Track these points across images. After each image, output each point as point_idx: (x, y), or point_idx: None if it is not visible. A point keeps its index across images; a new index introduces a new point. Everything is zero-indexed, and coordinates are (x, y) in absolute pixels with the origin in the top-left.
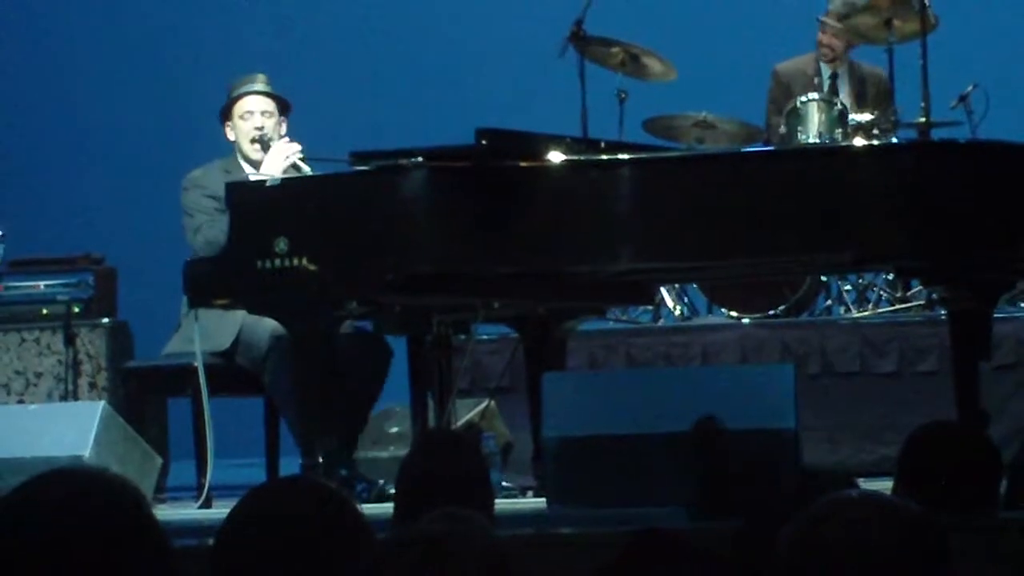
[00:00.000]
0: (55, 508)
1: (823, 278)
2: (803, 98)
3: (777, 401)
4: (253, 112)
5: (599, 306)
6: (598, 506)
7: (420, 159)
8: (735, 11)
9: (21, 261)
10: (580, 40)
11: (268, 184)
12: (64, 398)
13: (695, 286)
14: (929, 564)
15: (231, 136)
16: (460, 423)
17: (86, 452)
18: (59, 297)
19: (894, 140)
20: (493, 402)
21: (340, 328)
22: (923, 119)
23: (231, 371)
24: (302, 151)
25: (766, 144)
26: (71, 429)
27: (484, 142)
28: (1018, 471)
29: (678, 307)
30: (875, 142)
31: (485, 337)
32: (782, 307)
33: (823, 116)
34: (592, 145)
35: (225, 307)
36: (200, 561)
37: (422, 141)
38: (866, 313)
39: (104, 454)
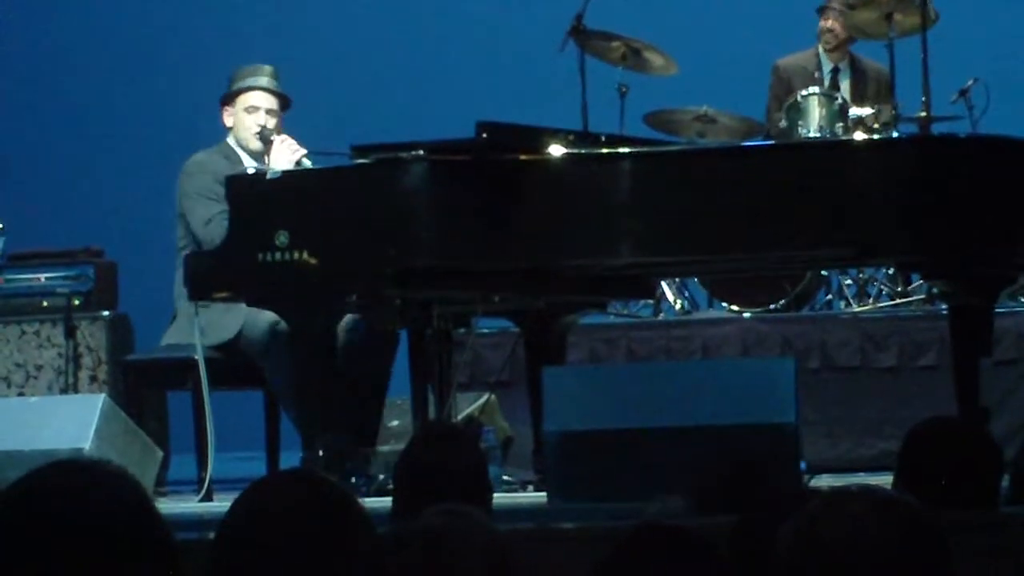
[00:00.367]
0: (56, 500)
1: (823, 272)
2: (803, 92)
3: (777, 395)
4: (259, 108)
5: (600, 300)
6: (599, 500)
7: (421, 152)
8: (736, 5)
9: (21, 254)
10: (581, 34)
11: (269, 177)
12: (64, 391)
13: (696, 280)
14: (929, 560)
15: (229, 122)
16: (460, 417)
17: (87, 445)
18: (59, 290)
19: (895, 134)
20: (493, 396)
21: (342, 320)
22: (923, 113)
23: (232, 364)
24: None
25: (768, 137)
26: (72, 422)
27: (485, 136)
28: (1021, 468)
29: (679, 301)
30: (875, 136)
31: (485, 331)
32: (783, 301)
33: (824, 110)
34: (593, 139)
35: (225, 300)
36: (201, 555)
37: (423, 135)
38: (866, 307)
39: (105, 447)
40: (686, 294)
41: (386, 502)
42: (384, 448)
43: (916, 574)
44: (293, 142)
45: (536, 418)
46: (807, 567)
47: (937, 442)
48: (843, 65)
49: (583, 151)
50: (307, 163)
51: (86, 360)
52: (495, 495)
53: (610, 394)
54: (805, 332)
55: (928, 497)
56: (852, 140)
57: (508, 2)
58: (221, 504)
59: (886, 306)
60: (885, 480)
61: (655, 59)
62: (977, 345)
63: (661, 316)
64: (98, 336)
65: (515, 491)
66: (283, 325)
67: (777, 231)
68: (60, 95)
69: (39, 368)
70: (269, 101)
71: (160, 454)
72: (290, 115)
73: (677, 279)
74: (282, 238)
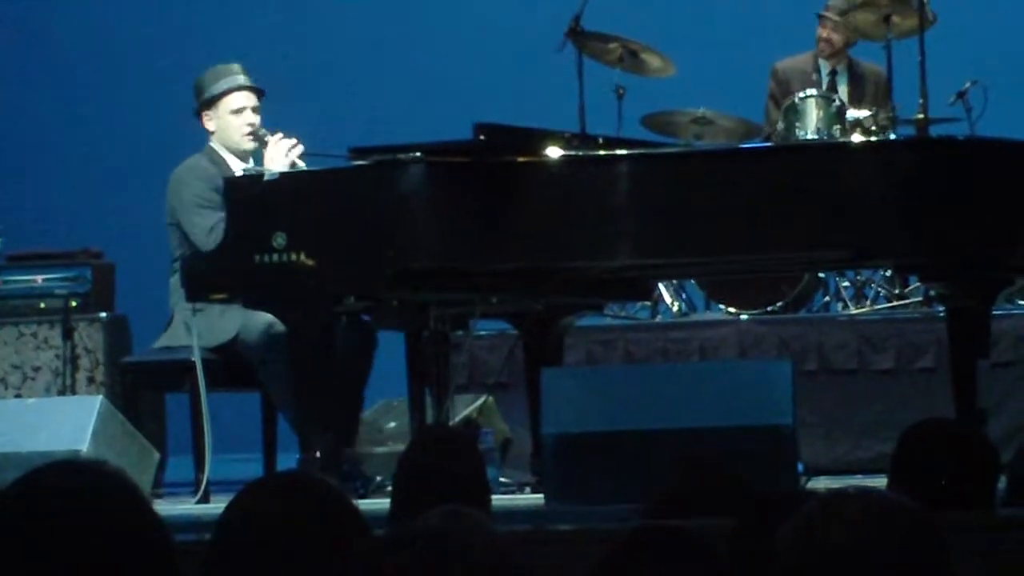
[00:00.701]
0: (52, 501)
1: (821, 274)
2: (801, 94)
3: (775, 397)
4: (245, 108)
5: (597, 302)
6: (597, 502)
7: (419, 154)
8: (734, 7)
9: (19, 255)
10: (578, 35)
11: (267, 178)
12: (62, 392)
13: (693, 282)
14: (927, 562)
15: (212, 127)
16: (458, 419)
17: (84, 446)
18: (57, 291)
19: (892, 137)
20: (491, 398)
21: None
22: (921, 115)
23: (229, 366)
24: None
25: (766, 139)
26: (69, 423)
27: (482, 137)
28: (1017, 469)
29: (676, 303)
30: (873, 139)
31: (483, 333)
32: (780, 303)
33: (821, 112)
34: (590, 141)
35: (223, 302)
36: (198, 556)
37: (421, 136)
38: (864, 310)
39: (102, 449)
40: (683, 296)
41: (383, 504)
42: (381, 450)
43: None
44: (287, 140)
45: (534, 420)
46: (806, 568)
47: (931, 444)
48: (841, 68)
49: (581, 153)
50: (300, 164)
51: (83, 362)
52: (492, 497)
53: (608, 396)
54: (802, 334)
55: (922, 498)
56: (850, 142)
57: (506, 3)
58: (218, 506)
59: (883, 308)
60: (883, 482)
61: (653, 61)
62: (974, 347)
63: (658, 318)
64: (96, 338)
65: (513, 493)
66: (280, 327)
67: (775, 233)
68: (58, 96)
69: (37, 369)
70: (251, 99)
71: (157, 455)
72: (288, 116)
73: (674, 281)
74: (280, 239)
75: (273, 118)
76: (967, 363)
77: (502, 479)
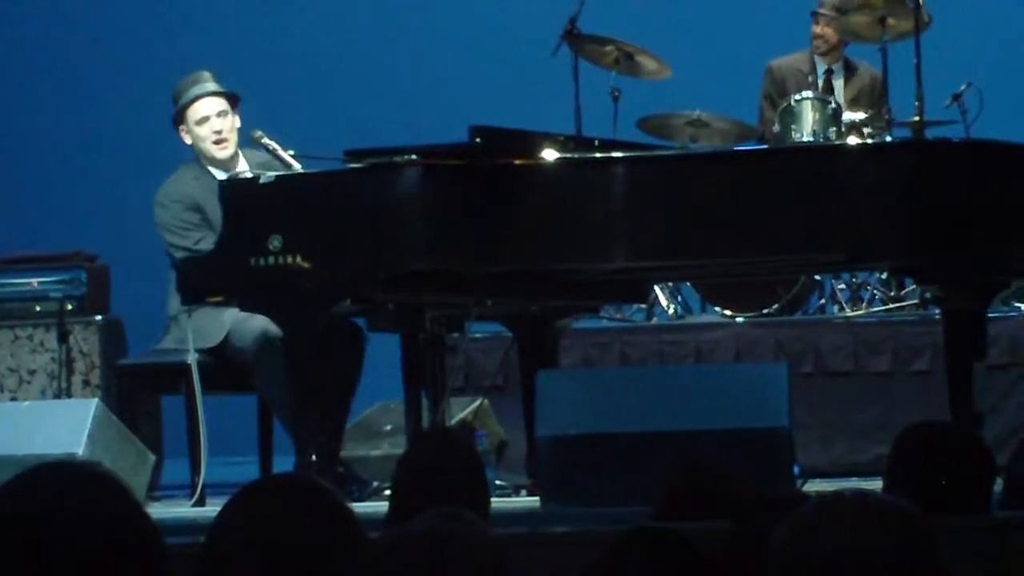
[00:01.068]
0: (43, 503)
1: (817, 277)
2: (797, 97)
3: (770, 400)
4: (209, 116)
5: (593, 304)
6: (592, 505)
7: (414, 157)
8: (729, 10)
9: (14, 258)
10: (574, 38)
11: (262, 181)
12: (57, 395)
13: (689, 284)
14: (923, 564)
15: (188, 140)
16: (453, 422)
17: (80, 450)
18: (52, 294)
19: (888, 139)
20: (486, 400)
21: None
22: (917, 118)
23: (224, 369)
24: (294, 152)
25: (761, 139)
26: (64, 427)
27: (478, 140)
28: (1014, 472)
29: (672, 306)
30: (869, 141)
31: (479, 335)
32: (776, 306)
33: (817, 115)
34: (586, 143)
35: (218, 305)
36: (193, 559)
37: (416, 139)
38: (860, 312)
39: (98, 452)
40: (679, 299)
41: (379, 507)
42: (377, 452)
43: None
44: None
45: (529, 422)
46: (801, 571)
47: (927, 446)
48: (837, 67)
49: (576, 155)
50: (296, 166)
51: (79, 365)
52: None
53: (603, 399)
54: (798, 337)
55: (918, 501)
56: (845, 145)
57: (501, 6)
58: (214, 508)
59: (879, 311)
60: (879, 485)
61: (648, 63)
62: (970, 350)
63: (654, 320)
64: (91, 340)
65: (508, 495)
66: (274, 330)
67: (770, 235)
68: (53, 99)
69: (32, 373)
70: (216, 105)
71: (153, 458)
72: (284, 119)
73: (670, 283)
74: (275, 242)
75: (268, 121)
76: (963, 365)
77: (498, 481)
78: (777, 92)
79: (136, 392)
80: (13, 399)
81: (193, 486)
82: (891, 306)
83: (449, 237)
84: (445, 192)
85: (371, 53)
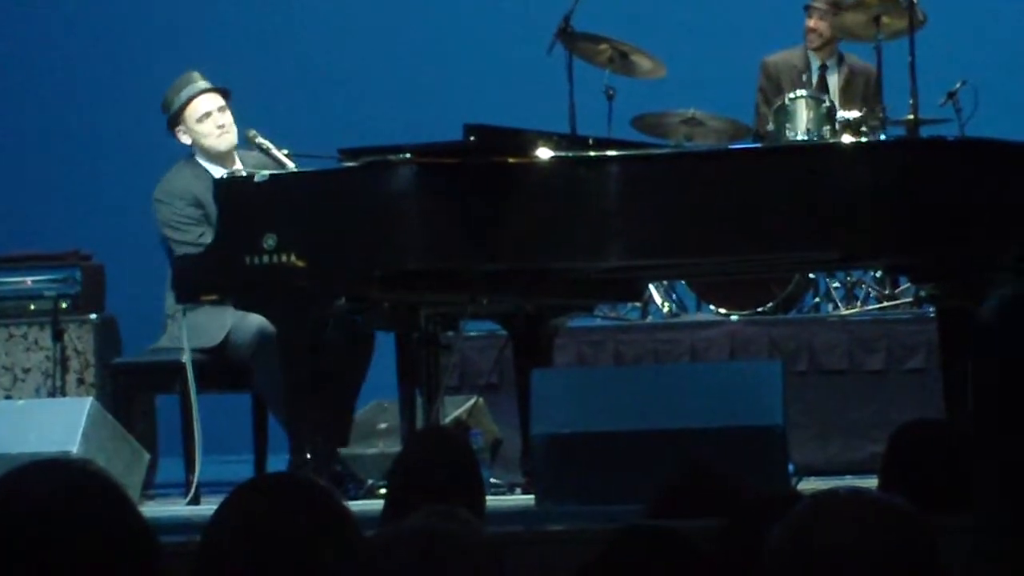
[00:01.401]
0: (34, 501)
1: (811, 275)
2: (791, 95)
3: (765, 398)
4: (211, 111)
5: (587, 303)
6: (587, 503)
7: (409, 155)
8: (724, 8)
9: (9, 257)
10: (568, 37)
11: (257, 180)
12: (52, 394)
13: (683, 283)
14: (919, 563)
15: (186, 140)
16: (448, 420)
17: (74, 448)
18: (47, 293)
19: (882, 137)
20: (481, 399)
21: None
22: (911, 116)
23: (220, 367)
24: (288, 150)
25: (757, 136)
26: (59, 425)
27: (472, 139)
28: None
29: (666, 304)
30: (863, 139)
31: (473, 334)
32: (770, 304)
33: (811, 113)
34: (580, 142)
35: (213, 303)
36: (188, 558)
37: (411, 138)
38: (854, 310)
39: (92, 450)
40: (674, 297)
41: (374, 505)
42: (372, 451)
43: None
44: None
45: (524, 421)
46: (796, 570)
47: (921, 444)
48: (831, 63)
49: (571, 154)
50: (290, 164)
51: (73, 363)
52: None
53: (598, 397)
54: (793, 335)
55: (913, 499)
56: (839, 143)
57: (496, 4)
58: (209, 507)
59: (874, 309)
60: (873, 483)
61: (643, 62)
62: (965, 348)
63: (649, 319)
64: (86, 339)
65: (503, 494)
66: (271, 328)
67: (765, 234)
68: (47, 98)
69: (26, 371)
70: (214, 100)
71: (148, 457)
72: (279, 118)
73: (665, 282)
74: (270, 241)
75: (263, 120)
76: (957, 364)
77: (492, 480)
78: (771, 88)
79: (131, 391)
80: (7, 397)
81: (188, 485)
82: (885, 304)
83: (444, 236)
84: (440, 191)
85: (365, 52)
